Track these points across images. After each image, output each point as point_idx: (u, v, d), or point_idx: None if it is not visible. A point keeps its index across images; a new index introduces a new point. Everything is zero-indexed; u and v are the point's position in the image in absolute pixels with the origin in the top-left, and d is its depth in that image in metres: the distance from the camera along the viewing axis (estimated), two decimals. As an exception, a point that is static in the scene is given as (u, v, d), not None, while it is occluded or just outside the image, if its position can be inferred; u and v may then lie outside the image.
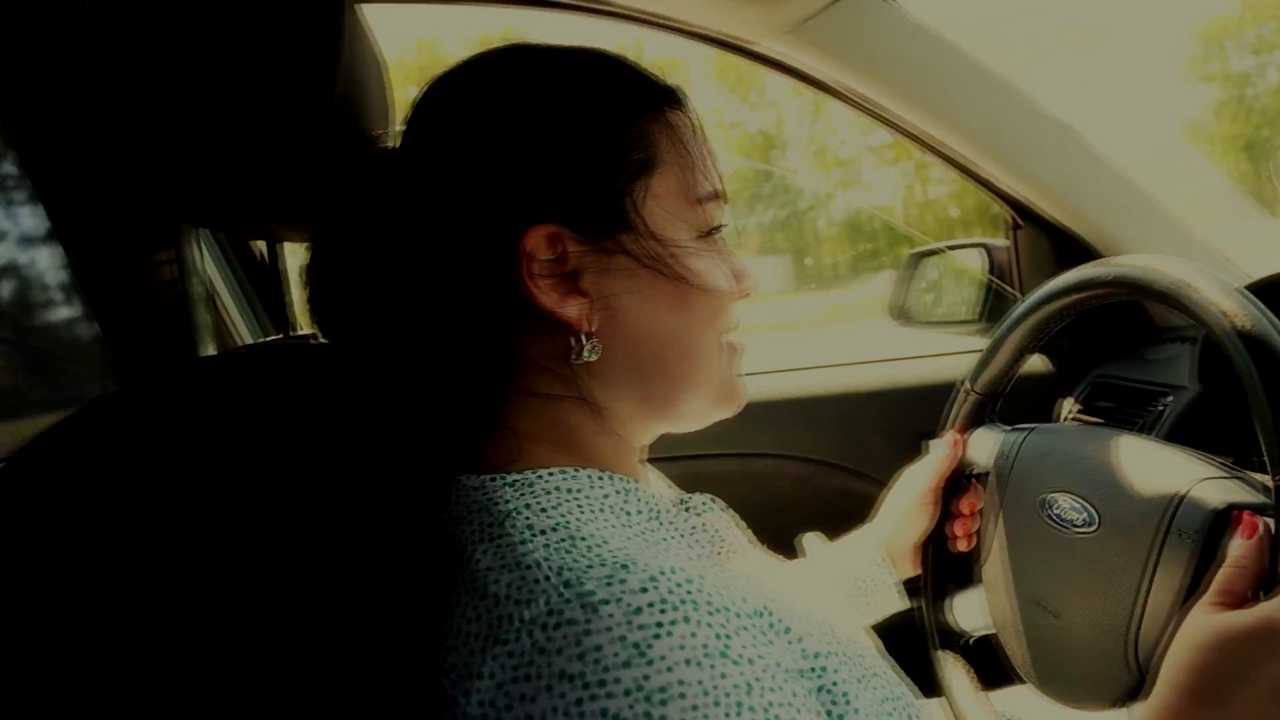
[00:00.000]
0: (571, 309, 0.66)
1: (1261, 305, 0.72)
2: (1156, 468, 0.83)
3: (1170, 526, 0.78)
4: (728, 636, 0.53)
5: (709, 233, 0.71)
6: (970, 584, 1.04)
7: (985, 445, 1.02)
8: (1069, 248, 1.49)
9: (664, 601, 0.52)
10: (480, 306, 0.67)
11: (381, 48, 0.83)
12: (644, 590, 0.52)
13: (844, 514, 1.26)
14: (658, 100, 0.70)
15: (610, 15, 1.21)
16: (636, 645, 0.50)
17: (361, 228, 0.69)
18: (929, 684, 1.04)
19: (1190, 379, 1.31)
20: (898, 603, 1.09)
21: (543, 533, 0.59)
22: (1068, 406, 1.48)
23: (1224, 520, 0.75)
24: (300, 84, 0.65)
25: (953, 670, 1.03)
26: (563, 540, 0.58)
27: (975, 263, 1.70)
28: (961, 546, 1.06)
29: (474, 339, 0.68)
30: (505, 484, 0.64)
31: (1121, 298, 0.87)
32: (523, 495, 0.63)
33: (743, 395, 0.77)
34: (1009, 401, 1.56)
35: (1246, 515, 0.71)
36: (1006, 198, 1.49)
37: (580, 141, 0.66)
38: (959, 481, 1.07)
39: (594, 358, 0.67)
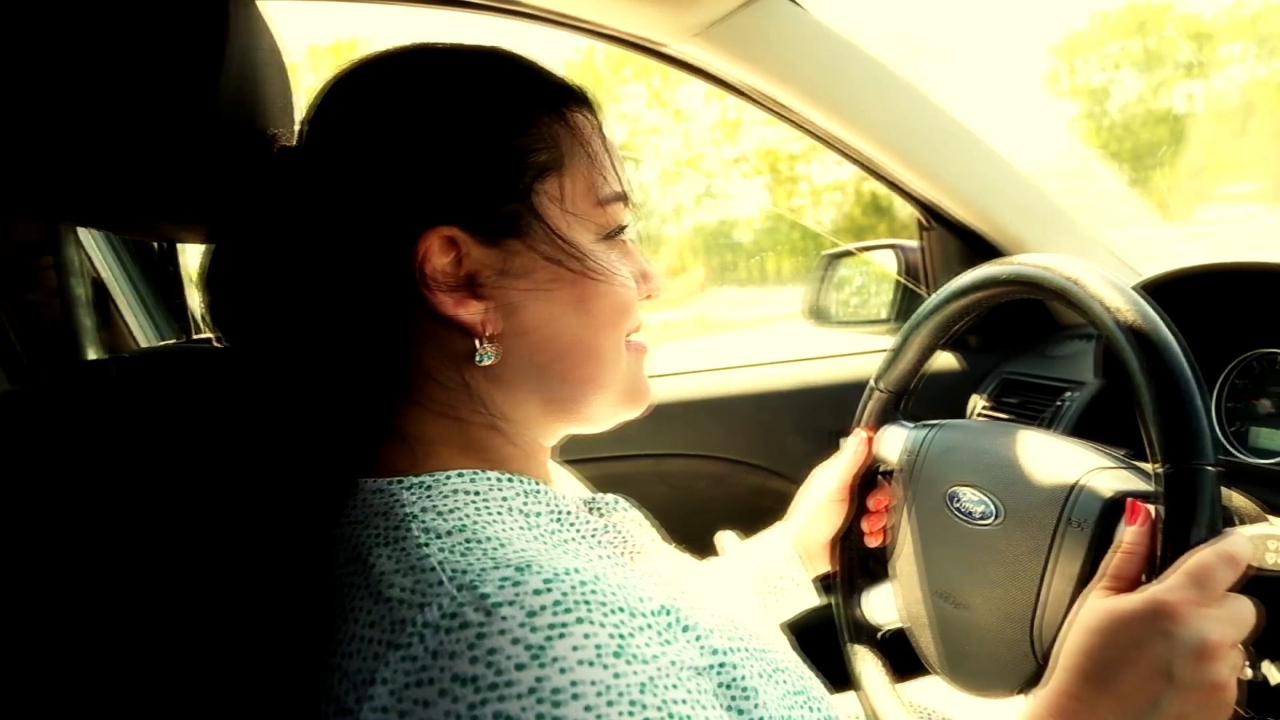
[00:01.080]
0: (471, 312, 0.65)
1: (1146, 299, 0.74)
2: (1054, 460, 0.86)
3: (1066, 516, 0.80)
4: (624, 636, 0.53)
5: (613, 234, 0.70)
6: (882, 579, 1.06)
7: (894, 442, 1.03)
8: (976, 247, 1.52)
9: (561, 603, 0.52)
10: (378, 310, 0.65)
11: (286, 44, 0.81)
12: (542, 591, 0.52)
13: (760, 512, 1.27)
14: (560, 101, 0.69)
15: (519, 15, 1.20)
16: (532, 647, 0.50)
17: (257, 228, 0.67)
18: (845, 677, 1.05)
19: (1092, 374, 1.35)
20: (811, 599, 1.10)
21: (442, 536, 0.58)
22: (978, 403, 1.52)
23: (1116, 508, 0.77)
24: (182, 78, 0.63)
25: (866, 663, 1.04)
26: (462, 543, 0.58)
27: (888, 263, 1.73)
28: (873, 542, 1.07)
29: (373, 343, 0.67)
30: (406, 487, 0.64)
31: (1018, 295, 0.89)
32: (423, 498, 0.63)
33: (649, 395, 0.77)
34: (923, 398, 1.59)
35: (1135, 502, 0.73)
36: (916, 199, 1.52)
37: (479, 143, 0.65)
38: (871, 478, 1.08)
39: (494, 361, 0.66)
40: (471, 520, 0.61)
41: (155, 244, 1.41)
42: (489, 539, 0.58)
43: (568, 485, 0.87)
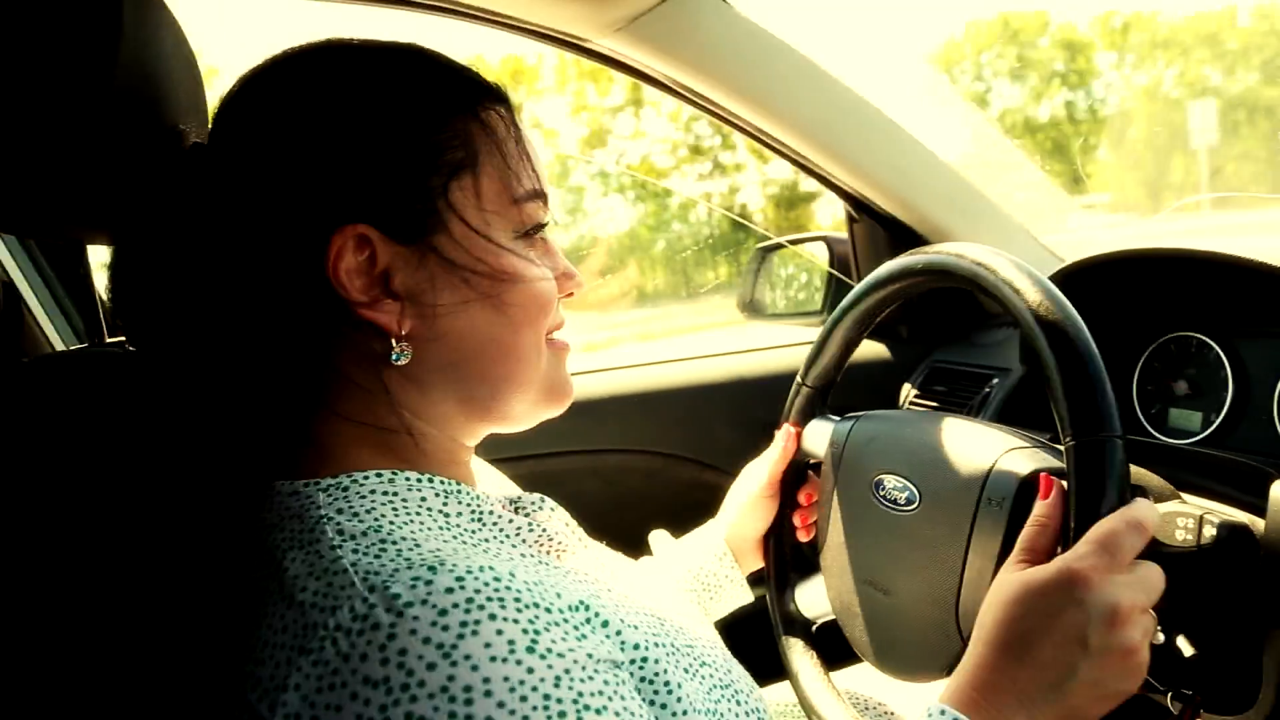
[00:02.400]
0: (384, 312, 0.65)
1: (1050, 284, 0.76)
2: (970, 444, 0.87)
3: (984, 496, 0.81)
4: (536, 632, 0.53)
5: (529, 232, 0.70)
6: (813, 572, 1.07)
7: (820, 436, 1.04)
8: (902, 238, 1.54)
9: (473, 600, 0.52)
10: (290, 311, 0.65)
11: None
12: (453, 590, 0.52)
13: (696, 505, 1.28)
14: (475, 99, 0.69)
15: (442, 11, 1.19)
16: (442, 645, 0.50)
17: (165, 229, 0.66)
18: (780, 669, 1.06)
19: (1016, 361, 1.37)
20: (744, 595, 1.10)
21: (354, 537, 0.58)
22: (907, 392, 1.54)
23: (1030, 486, 0.79)
24: (76, 73, 0.61)
25: (799, 655, 1.05)
26: (376, 544, 0.57)
27: (820, 255, 1.75)
28: (802, 536, 1.08)
29: (287, 344, 0.66)
30: (321, 489, 0.63)
31: (933, 285, 0.90)
32: (339, 500, 0.62)
33: (570, 394, 0.77)
34: (856, 389, 1.61)
35: (1044, 476, 0.74)
36: (843, 191, 1.53)
37: (390, 141, 0.64)
38: (799, 473, 1.09)
39: (409, 360, 0.66)
40: (387, 521, 0.61)
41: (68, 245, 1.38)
42: (403, 539, 0.58)
43: (494, 484, 0.87)
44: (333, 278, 0.63)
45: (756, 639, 1.14)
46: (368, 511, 0.61)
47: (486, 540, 0.66)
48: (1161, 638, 0.81)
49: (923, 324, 1.63)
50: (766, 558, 1.11)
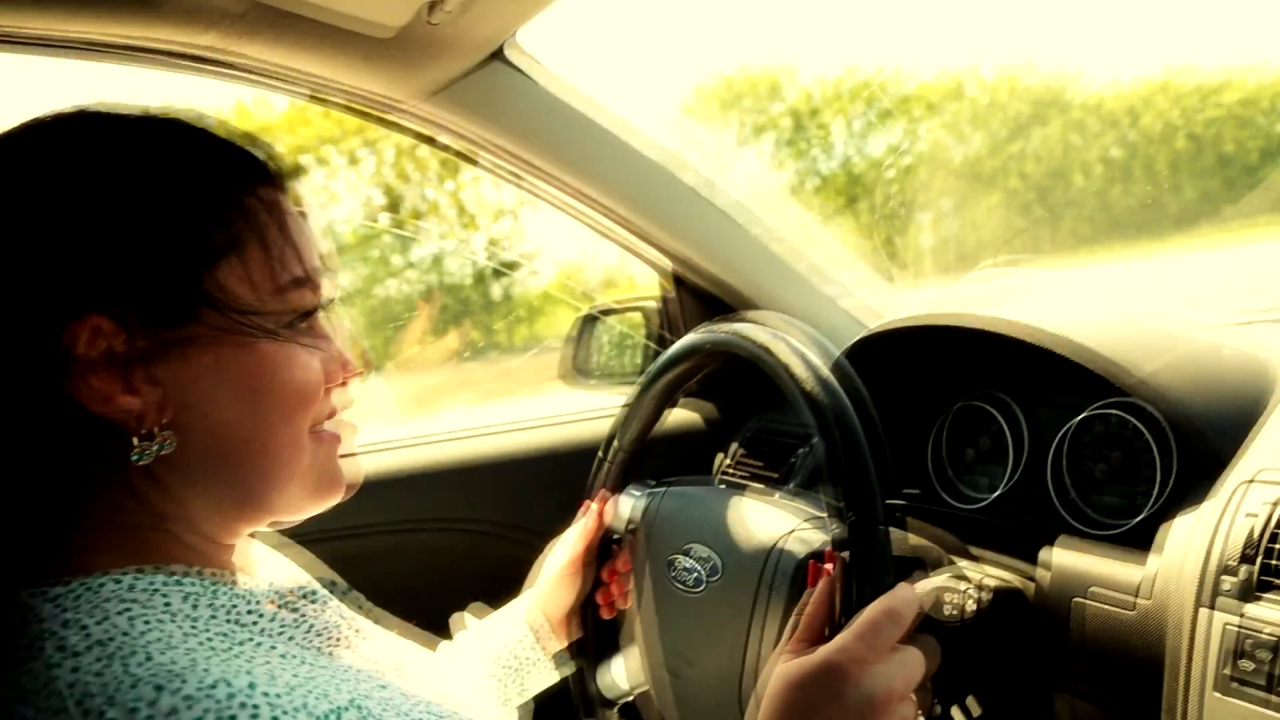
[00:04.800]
0: (128, 406, 0.60)
1: (824, 368, 0.78)
2: (760, 522, 0.88)
3: (766, 578, 0.82)
4: None
5: (299, 318, 0.67)
6: (622, 647, 1.06)
7: (624, 509, 1.04)
8: (716, 307, 1.57)
9: (215, 713, 0.49)
10: (24, 403, 0.60)
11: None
12: (176, 712, 0.49)
13: (513, 581, 1.24)
14: (243, 177, 0.66)
15: (232, 76, 1.15)
16: None
17: None
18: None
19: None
20: (549, 676, 1.08)
21: (77, 653, 0.54)
22: (720, 460, 1.56)
23: (806, 569, 0.80)
24: None
25: (602, 735, 1.03)
26: (99, 660, 0.53)
27: (640, 321, 1.77)
28: (606, 613, 1.07)
29: (23, 440, 0.61)
30: (49, 599, 0.58)
31: (722, 363, 0.92)
32: (70, 609, 0.57)
33: (342, 485, 0.74)
34: (674, 454, 1.62)
35: (813, 563, 0.76)
36: (660, 260, 1.55)
37: (143, 222, 0.61)
38: (607, 547, 1.08)
39: (154, 457, 0.62)
40: (120, 631, 0.56)
41: None
42: (135, 652, 0.54)
43: (279, 572, 0.82)
44: (69, 368, 0.59)
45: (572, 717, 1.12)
46: (99, 622, 0.56)
47: (243, 643, 0.62)
48: (939, 709, 0.83)
49: (745, 388, 1.65)
50: (571, 634, 1.09)
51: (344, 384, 0.73)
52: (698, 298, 1.59)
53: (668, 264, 1.53)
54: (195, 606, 0.62)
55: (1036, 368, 1.09)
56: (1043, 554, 0.98)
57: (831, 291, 1.62)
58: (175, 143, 0.65)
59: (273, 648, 0.64)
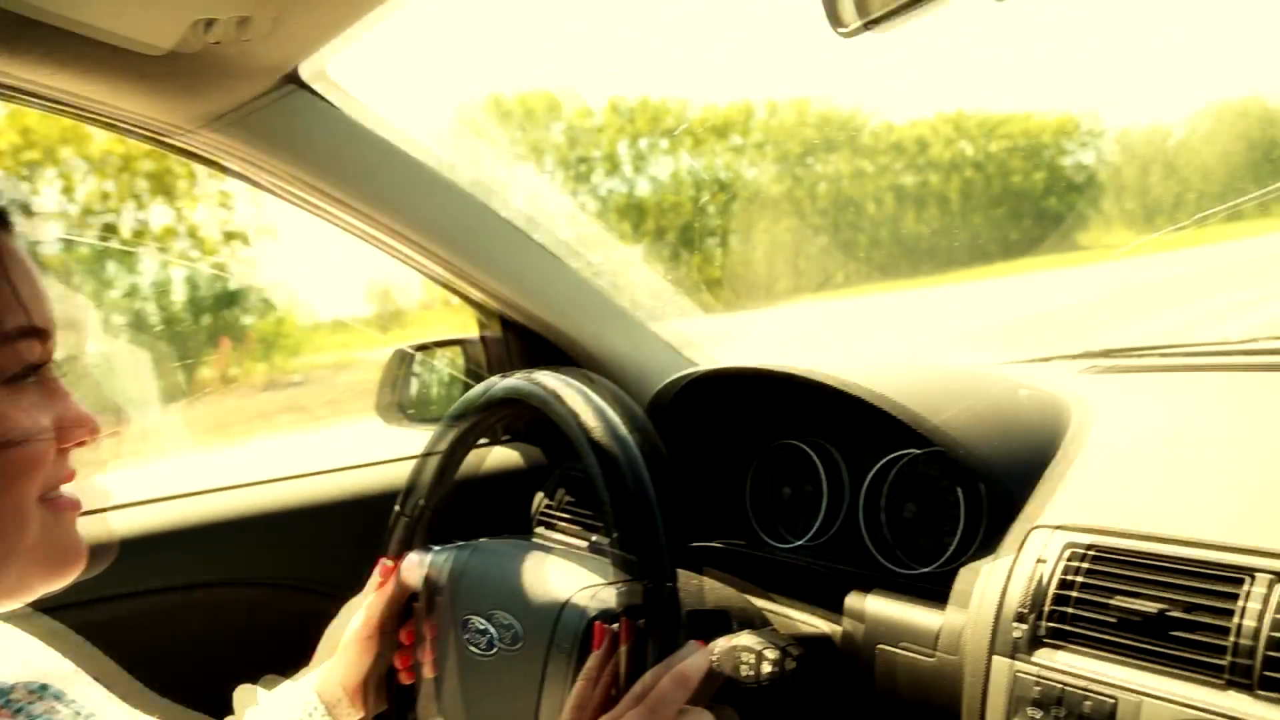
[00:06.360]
0: None
1: (617, 420, 0.74)
2: (557, 580, 0.84)
3: (557, 641, 0.78)
4: None
5: (17, 376, 0.59)
6: (424, 714, 0.99)
7: (420, 569, 0.98)
8: (534, 345, 1.53)
9: None
10: None
11: None
12: None
13: (312, 645, 1.15)
14: None
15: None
16: None
17: None
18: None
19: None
20: None
21: None
22: (539, 501, 1.51)
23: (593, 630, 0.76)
24: None
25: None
26: None
27: (458, 358, 1.70)
28: (405, 679, 1.00)
29: None
30: None
31: (515, 412, 0.87)
32: None
33: (78, 559, 0.65)
34: (497, 497, 1.56)
35: (598, 625, 0.72)
36: (473, 298, 1.50)
37: None
38: (410, 606, 1.01)
39: None
40: None
41: None
42: None
43: (15, 657, 0.72)
44: None
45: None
46: None
47: None
48: None
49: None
50: (372, 705, 1.01)
51: (83, 444, 0.65)
52: (519, 335, 1.54)
53: (486, 299, 1.47)
54: None
55: (853, 413, 1.09)
56: (851, 601, 0.98)
57: (650, 325, 1.59)
58: None
59: None
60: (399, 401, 1.77)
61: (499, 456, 1.65)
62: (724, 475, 1.33)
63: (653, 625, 0.67)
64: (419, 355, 1.80)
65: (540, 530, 1.50)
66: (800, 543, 1.23)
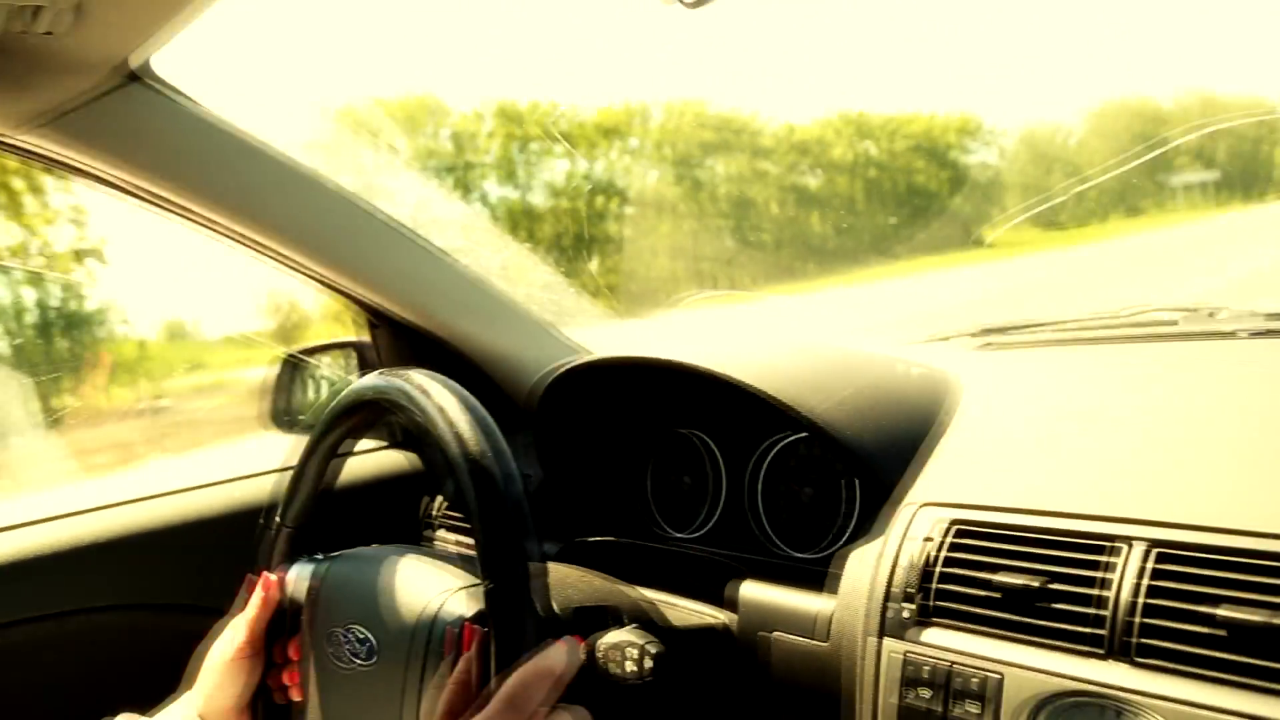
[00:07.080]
0: None
1: (455, 418, 0.71)
2: (409, 589, 0.81)
3: (415, 650, 0.75)
4: None
5: None
6: None
7: (293, 582, 0.93)
8: (423, 344, 1.48)
9: None
10: None
11: None
12: None
13: (181, 672, 1.08)
14: None
15: None
16: None
17: None
18: None
19: (534, 465, 1.34)
20: None
21: None
22: (439, 503, 1.47)
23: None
24: None
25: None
26: None
27: (349, 362, 1.65)
28: (283, 699, 0.94)
29: None
30: None
31: (366, 419, 0.84)
32: None
33: None
34: (383, 501, 1.51)
35: (449, 630, 0.69)
36: (358, 299, 1.44)
37: None
38: (282, 623, 0.96)
39: None
40: None
41: None
42: None
43: None
44: None
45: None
46: None
47: None
48: None
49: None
50: None
51: None
52: (406, 334, 1.49)
53: (369, 299, 1.42)
54: None
55: (740, 402, 1.08)
56: (728, 590, 0.96)
57: (543, 323, 1.56)
58: None
59: None
60: (286, 409, 1.70)
61: (388, 460, 1.60)
62: (625, 466, 1.30)
63: (507, 625, 0.64)
64: (309, 361, 1.73)
65: (436, 533, 1.46)
66: (700, 532, 1.21)
